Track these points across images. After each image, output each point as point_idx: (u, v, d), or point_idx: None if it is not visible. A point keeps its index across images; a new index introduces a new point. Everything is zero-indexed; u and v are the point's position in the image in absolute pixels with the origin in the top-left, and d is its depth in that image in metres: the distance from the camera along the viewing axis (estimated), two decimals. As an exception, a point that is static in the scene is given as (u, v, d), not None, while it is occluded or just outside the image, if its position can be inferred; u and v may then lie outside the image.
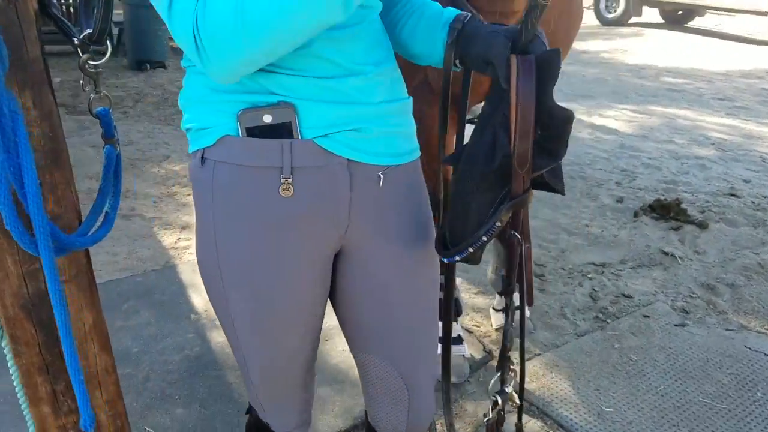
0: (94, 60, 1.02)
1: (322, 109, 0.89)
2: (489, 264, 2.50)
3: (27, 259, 1.00)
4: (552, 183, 1.02)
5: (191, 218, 3.36)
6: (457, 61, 1.03)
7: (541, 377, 2.22)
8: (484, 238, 0.99)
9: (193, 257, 3.01)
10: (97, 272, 2.79)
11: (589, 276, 2.94)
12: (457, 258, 1.03)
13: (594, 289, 2.81)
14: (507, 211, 0.98)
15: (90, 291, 1.13)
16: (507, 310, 1.21)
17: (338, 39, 0.88)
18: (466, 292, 2.77)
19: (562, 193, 1.05)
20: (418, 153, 1.09)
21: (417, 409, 1.18)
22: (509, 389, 1.28)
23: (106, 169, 1.14)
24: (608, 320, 2.58)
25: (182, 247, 3.10)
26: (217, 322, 2.29)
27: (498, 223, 0.98)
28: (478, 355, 2.37)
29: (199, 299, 2.58)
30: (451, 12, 1.03)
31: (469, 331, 2.47)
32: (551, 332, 2.49)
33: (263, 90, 0.87)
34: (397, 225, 1.05)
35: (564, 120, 0.92)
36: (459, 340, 2.21)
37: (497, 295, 2.52)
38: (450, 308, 1.28)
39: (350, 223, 1.00)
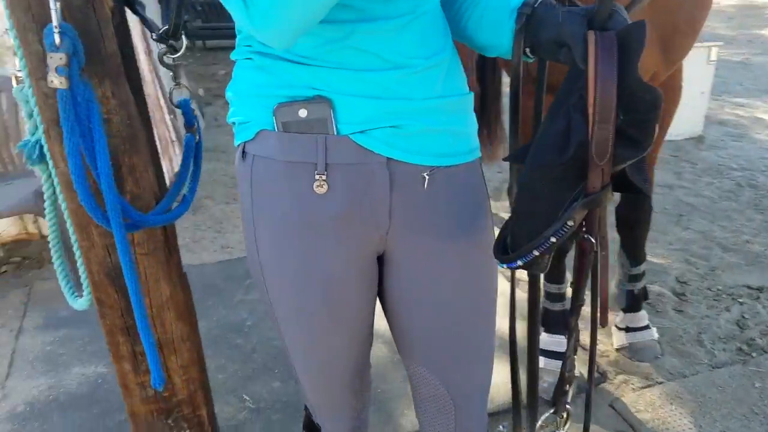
0: (171, 53, 1.10)
1: (359, 103, 0.84)
2: (612, 277, 2.30)
3: (110, 232, 1.11)
4: (635, 181, 0.86)
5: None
6: (528, 50, 0.93)
7: (658, 408, 1.99)
8: (553, 239, 0.86)
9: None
10: (230, 249, 3.05)
11: (740, 300, 2.56)
12: (519, 263, 0.90)
13: (743, 316, 2.45)
14: (581, 209, 0.85)
15: (168, 265, 1.23)
16: (570, 333, 1.07)
17: (381, 31, 0.83)
18: (589, 305, 2.57)
19: (647, 195, 0.90)
20: (475, 155, 0.99)
21: (464, 424, 1.12)
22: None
23: (185, 156, 1.24)
24: (753, 354, 2.24)
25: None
26: None
27: (570, 222, 0.85)
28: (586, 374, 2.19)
29: None
30: None
31: (584, 348, 2.30)
32: (681, 359, 2.22)
33: (302, 84, 0.84)
34: (446, 231, 0.96)
35: (651, 102, 0.78)
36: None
37: (621, 312, 2.31)
38: (536, 320, 1.17)
39: (391, 226, 0.93)
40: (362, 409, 1.19)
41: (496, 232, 0.98)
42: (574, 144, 0.83)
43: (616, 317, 2.34)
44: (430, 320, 1.03)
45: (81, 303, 1.28)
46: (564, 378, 1.13)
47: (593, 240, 0.94)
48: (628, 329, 2.26)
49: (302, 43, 0.81)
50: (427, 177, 0.91)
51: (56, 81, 0.93)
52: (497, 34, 0.95)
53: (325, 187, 0.86)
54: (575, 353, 1.14)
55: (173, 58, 1.11)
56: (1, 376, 2.17)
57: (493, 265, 1.03)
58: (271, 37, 0.75)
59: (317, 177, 0.86)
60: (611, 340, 2.32)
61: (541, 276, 1.29)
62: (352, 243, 0.93)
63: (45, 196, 1.23)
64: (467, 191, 0.98)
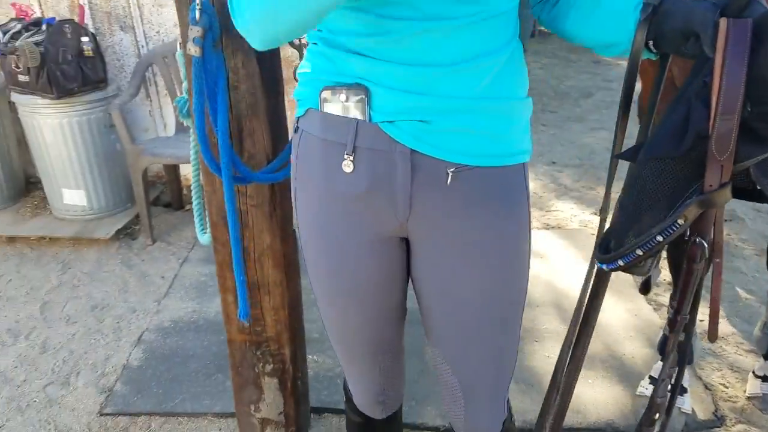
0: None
1: (392, 95, 0.88)
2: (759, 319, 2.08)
3: (228, 181, 1.31)
4: (761, 184, 0.79)
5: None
6: (651, 43, 0.86)
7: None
8: (659, 239, 0.81)
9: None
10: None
11: None
12: (620, 263, 0.86)
13: None
14: (695, 208, 0.79)
15: (271, 218, 1.42)
16: (667, 355, 0.99)
17: (436, 30, 0.85)
18: (735, 345, 2.35)
19: None
20: (516, 159, 0.97)
21: (473, 416, 1.14)
22: None
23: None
24: None
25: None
26: None
27: (681, 221, 0.80)
28: (703, 415, 2.02)
29: None
30: None
31: (708, 388, 2.11)
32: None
33: (350, 73, 0.90)
34: (468, 231, 0.97)
35: None
36: (681, 390, 1.93)
37: (762, 359, 2.08)
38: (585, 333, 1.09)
39: (412, 213, 0.96)
40: (390, 387, 1.25)
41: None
42: (692, 134, 0.78)
43: (756, 363, 2.13)
44: (446, 312, 1.05)
45: (205, 239, 1.53)
46: (653, 406, 1.06)
47: (705, 244, 0.87)
48: (765, 378, 2.04)
49: (358, 36, 0.88)
50: (450, 173, 0.92)
51: (193, 49, 1.14)
52: (617, 29, 0.90)
53: (351, 166, 0.94)
54: (672, 379, 1.05)
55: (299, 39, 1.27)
56: (161, 294, 2.60)
57: (521, 273, 1.03)
58: (253, 44, 0.85)
59: (345, 156, 0.93)
60: (744, 386, 2.11)
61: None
62: (369, 222, 0.99)
63: (191, 147, 1.48)
64: (499, 194, 0.96)
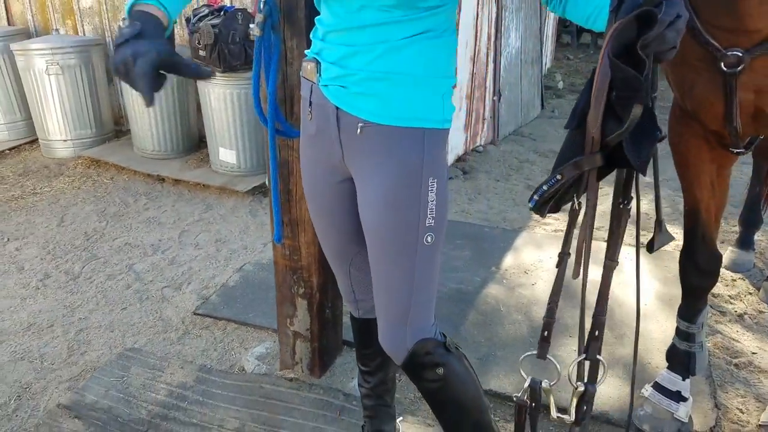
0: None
1: (327, 67, 1.24)
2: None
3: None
4: (630, 156, 0.98)
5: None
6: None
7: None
8: (545, 188, 1.07)
9: (537, 237, 3.39)
10: (469, 214, 3.48)
11: None
12: (535, 197, 1.10)
13: None
14: (572, 168, 1.04)
15: (312, 170, 1.81)
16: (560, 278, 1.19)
17: (348, 29, 1.19)
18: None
19: (640, 171, 1.03)
20: (412, 123, 1.19)
21: (383, 334, 1.35)
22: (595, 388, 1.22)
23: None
24: None
25: (541, 222, 3.45)
26: (506, 281, 2.63)
27: (559, 176, 1.05)
28: (699, 428, 2.01)
29: (511, 260, 2.97)
30: None
31: (718, 407, 2.08)
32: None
33: (314, 50, 1.29)
34: (374, 172, 1.23)
35: (629, 82, 0.92)
36: (679, 397, 1.97)
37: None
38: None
39: (344, 155, 1.28)
40: (359, 292, 1.56)
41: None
42: (578, 114, 1.04)
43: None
44: (366, 236, 1.30)
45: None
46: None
47: (578, 201, 1.11)
48: None
49: (320, 27, 1.27)
50: (359, 127, 1.21)
51: (255, 31, 1.57)
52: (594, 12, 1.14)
53: (311, 116, 1.32)
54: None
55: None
56: (268, 239, 3.14)
57: (410, 212, 1.23)
58: None
59: (308, 109, 1.32)
60: (761, 414, 2.06)
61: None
62: (322, 155, 1.34)
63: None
64: (394, 147, 1.20)
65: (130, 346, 2.36)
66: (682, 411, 1.93)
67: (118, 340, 2.40)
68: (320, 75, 1.27)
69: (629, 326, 2.44)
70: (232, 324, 2.46)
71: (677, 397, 1.95)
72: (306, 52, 1.39)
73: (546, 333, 1.26)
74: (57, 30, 4.69)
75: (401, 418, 1.87)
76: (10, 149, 4.50)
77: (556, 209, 1.15)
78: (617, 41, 0.94)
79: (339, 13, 1.21)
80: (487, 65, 4.54)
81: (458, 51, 3.93)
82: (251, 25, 1.58)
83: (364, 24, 1.19)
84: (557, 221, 3.46)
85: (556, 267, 1.21)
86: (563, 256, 1.19)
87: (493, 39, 4.55)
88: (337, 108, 1.24)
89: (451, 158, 4.26)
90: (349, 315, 1.69)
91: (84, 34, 4.73)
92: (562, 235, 3.25)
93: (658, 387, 2.01)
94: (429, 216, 1.26)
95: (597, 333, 1.25)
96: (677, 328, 1.99)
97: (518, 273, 2.86)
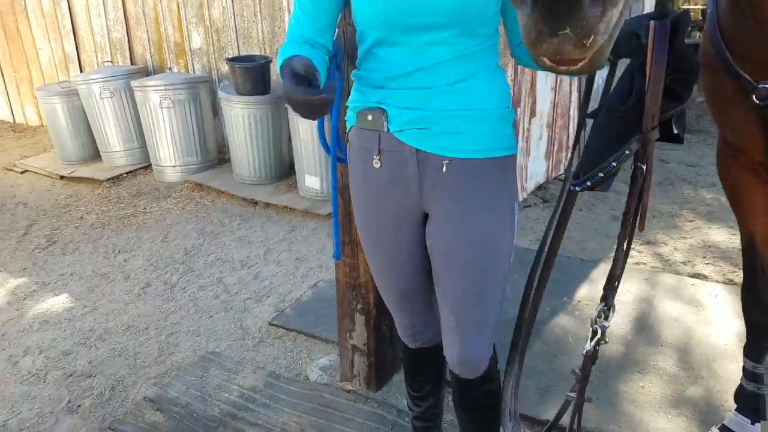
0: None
1: (401, 113, 1.29)
2: None
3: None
4: (677, 128, 1.22)
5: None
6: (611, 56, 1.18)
7: None
8: (614, 164, 1.22)
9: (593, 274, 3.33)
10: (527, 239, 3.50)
11: None
12: (588, 183, 1.26)
13: None
14: (637, 143, 1.20)
15: (370, 194, 1.97)
16: (624, 234, 1.35)
17: (419, 69, 1.26)
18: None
19: (682, 142, 1.24)
20: (494, 154, 1.30)
21: (462, 347, 1.46)
22: (608, 324, 1.42)
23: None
24: None
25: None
26: (578, 313, 2.66)
27: (627, 151, 1.20)
28: None
29: (585, 292, 2.94)
30: None
31: None
32: None
33: (373, 100, 1.33)
34: (458, 204, 1.32)
35: (691, 66, 1.15)
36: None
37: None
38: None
39: (423, 195, 1.34)
40: (419, 324, 1.62)
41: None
42: (635, 95, 1.20)
43: None
44: (443, 263, 1.40)
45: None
46: (612, 275, 1.42)
47: (643, 167, 1.26)
48: None
49: (376, 76, 1.32)
50: (444, 165, 1.30)
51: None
52: None
53: (379, 163, 1.36)
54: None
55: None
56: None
57: (498, 239, 1.36)
58: None
59: (374, 157, 1.36)
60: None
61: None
62: (393, 201, 1.40)
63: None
64: (480, 179, 1.31)
65: (212, 350, 2.61)
66: None
67: (202, 344, 2.66)
68: (389, 122, 1.32)
69: (707, 366, 2.36)
70: (302, 336, 2.65)
71: None
72: (350, 103, 1.45)
73: (616, 283, 1.42)
74: (171, 68, 5.25)
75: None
76: (127, 173, 5.05)
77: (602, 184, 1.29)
78: (660, 41, 1.14)
79: (404, 56, 1.28)
80: (570, 94, 4.54)
81: (538, 80, 3.99)
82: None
83: (434, 62, 1.26)
84: (640, 254, 3.40)
85: (622, 226, 1.36)
86: (628, 215, 1.33)
87: (577, 70, 4.54)
88: (417, 150, 1.31)
89: (531, 186, 4.29)
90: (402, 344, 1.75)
91: (194, 72, 5.25)
92: (642, 267, 3.21)
93: (725, 430, 1.95)
94: (513, 239, 1.40)
95: (616, 284, 1.43)
96: (744, 368, 1.94)
97: (591, 305, 2.83)
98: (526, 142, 4.09)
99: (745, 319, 1.90)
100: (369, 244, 1.53)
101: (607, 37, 0.79)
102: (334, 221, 1.92)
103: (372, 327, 2.14)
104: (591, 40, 0.75)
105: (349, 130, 1.47)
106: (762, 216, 1.70)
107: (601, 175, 1.23)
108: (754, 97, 1.35)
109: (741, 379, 1.95)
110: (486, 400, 1.57)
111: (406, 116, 1.31)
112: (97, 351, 2.65)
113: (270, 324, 2.76)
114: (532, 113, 4.06)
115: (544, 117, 4.25)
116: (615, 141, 1.22)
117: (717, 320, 2.67)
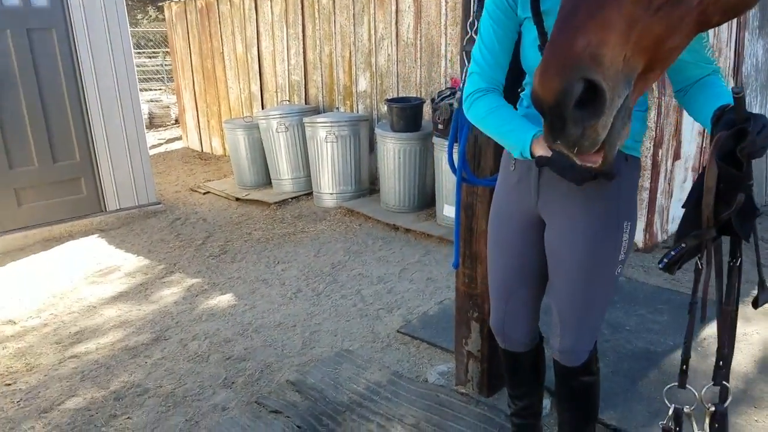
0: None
1: None
2: None
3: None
4: (737, 229, 1.29)
5: None
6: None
7: None
8: (672, 253, 1.33)
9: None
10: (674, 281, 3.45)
11: None
12: (665, 260, 1.38)
13: None
14: (692, 239, 1.31)
15: (487, 207, 2.21)
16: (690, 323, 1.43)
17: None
18: None
19: (745, 240, 1.31)
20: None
21: (571, 341, 1.66)
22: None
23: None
24: None
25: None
26: (701, 349, 2.71)
27: (683, 245, 1.32)
28: None
29: (711, 330, 2.84)
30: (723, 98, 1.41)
31: None
32: None
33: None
34: (570, 210, 1.52)
35: (733, 180, 1.26)
36: None
37: None
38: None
39: (539, 199, 1.59)
40: (507, 327, 1.81)
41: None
42: (694, 197, 1.37)
43: None
44: (557, 261, 1.62)
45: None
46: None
47: (701, 263, 1.39)
48: None
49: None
50: None
51: (455, 104, 2.07)
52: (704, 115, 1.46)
53: (513, 167, 1.64)
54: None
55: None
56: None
57: (606, 240, 1.54)
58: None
59: (512, 163, 1.65)
60: None
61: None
62: (518, 202, 1.66)
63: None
64: (596, 190, 1.51)
65: (346, 348, 2.97)
66: None
67: (338, 342, 3.03)
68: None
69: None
70: (425, 344, 2.91)
71: None
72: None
73: (684, 367, 1.50)
74: (338, 108, 5.91)
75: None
76: (291, 198, 5.73)
77: (678, 268, 1.39)
78: (721, 150, 1.25)
79: None
80: (722, 141, 4.40)
81: (684, 123, 3.96)
82: (451, 100, 2.09)
83: None
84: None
85: (687, 314, 1.45)
86: (693, 305, 1.42)
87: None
88: None
89: (672, 228, 4.21)
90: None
91: (357, 112, 5.86)
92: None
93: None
94: (622, 251, 1.59)
95: (721, 363, 1.46)
96: None
97: (716, 342, 2.78)
98: (669, 184, 4.05)
99: None
100: (496, 246, 1.76)
101: (597, 143, 0.97)
102: (456, 233, 2.19)
103: (486, 335, 2.34)
104: (576, 149, 0.98)
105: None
106: None
107: (665, 260, 1.34)
108: None
109: None
110: (584, 392, 1.74)
111: None
112: (251, 341, 3.12)
113: (397, 331, 3.06)
114: (676, 156, 4.02)
115: (690, 161, 4.17)
116: (681, 233, 1.34)
117: None
